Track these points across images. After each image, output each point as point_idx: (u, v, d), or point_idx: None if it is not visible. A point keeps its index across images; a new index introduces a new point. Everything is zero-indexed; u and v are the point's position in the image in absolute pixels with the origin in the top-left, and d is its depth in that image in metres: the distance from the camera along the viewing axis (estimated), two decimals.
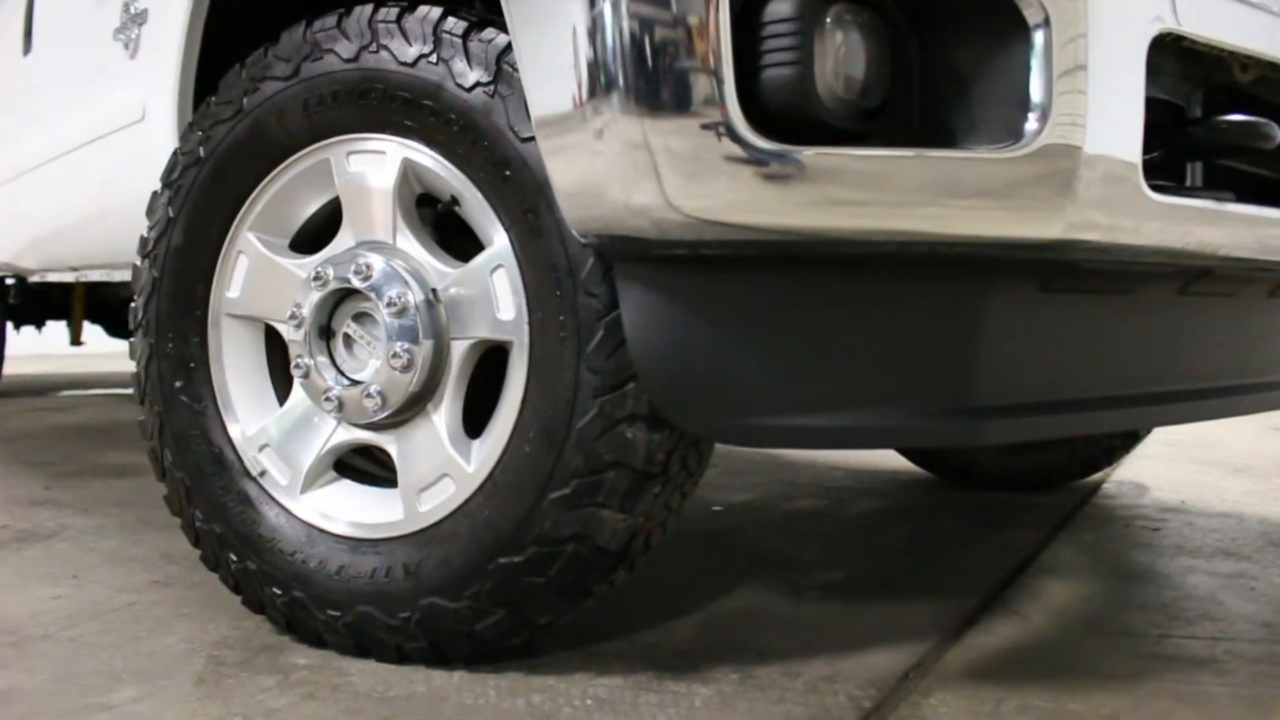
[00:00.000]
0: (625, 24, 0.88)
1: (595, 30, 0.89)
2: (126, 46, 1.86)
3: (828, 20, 0.85)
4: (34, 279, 3.24)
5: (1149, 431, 2.35)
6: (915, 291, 0.95)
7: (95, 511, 2.07)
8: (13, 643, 1.30)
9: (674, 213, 0.88)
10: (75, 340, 4.17)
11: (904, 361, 0.96)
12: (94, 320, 4.29)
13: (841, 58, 0.86)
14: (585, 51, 0.90)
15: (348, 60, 1.20)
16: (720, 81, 0.84)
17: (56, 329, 4.30)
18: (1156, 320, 1.13)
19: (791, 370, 0.95)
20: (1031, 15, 0.86)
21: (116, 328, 4.38)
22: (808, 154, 0.84)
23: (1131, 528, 1.96)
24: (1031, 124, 0.86)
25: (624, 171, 0.89)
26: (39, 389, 4.64)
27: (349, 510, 1.26)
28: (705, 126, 0.85)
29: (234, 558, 1.30)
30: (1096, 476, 2.39)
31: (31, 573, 1.62)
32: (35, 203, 2.52)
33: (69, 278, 2.85)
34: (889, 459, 2.63)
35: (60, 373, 5.50)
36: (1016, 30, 0.87)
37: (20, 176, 2.61)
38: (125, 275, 2.45)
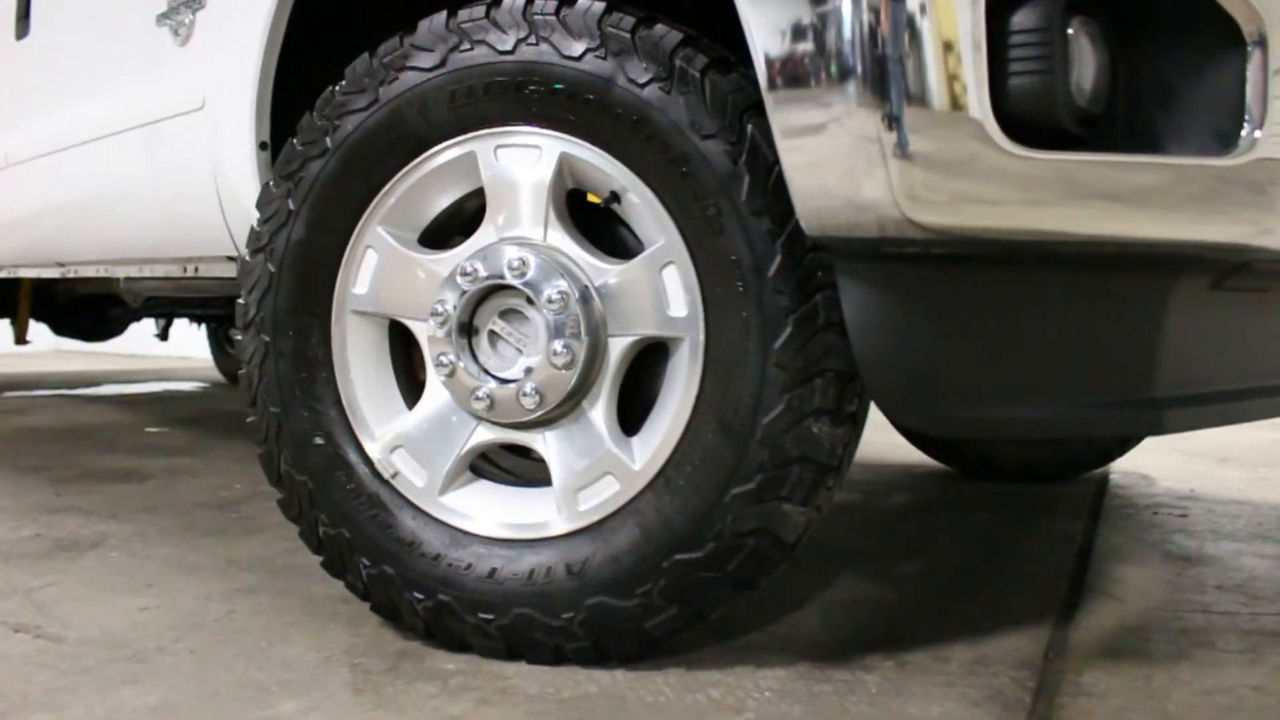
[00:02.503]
0: (868, 20, 0.90)
1: (843, 26, 0.90)
2: (176, 33, 1.78)
3: (1069, 31, 0.89)
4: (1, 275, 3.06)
5: None
6: (1109, 288, 1.00)
7: (125, 518, 1.97)
8: (131, 657, 1.23)
9: (914, 212, 0.90)
10: (20, 339, 3.95)
11: (1095, 354, 1.01)
12: (39, 318, 4.07)
13: (1081, 67, 0.89)
14: (829, 45, 0.91)
15: (503, 52, 1.18)
16: (972, 87, 0.87)
17: None
18: None
19: (1002, 363, 0.98)
20: (1248, 28, 0.91)
21: (64, 326, 4.17)
22: (1059, 159, 0.87)
23: (1160, 515, 2.06)
24: (1247, 134, 0.91)
25: (865, 171, 0.91)
26: None
27: (495, 511, 1.24)
28: (958, 130, 0.87)
29: (366, 563, 1.26)
30: (1100, 468, 2.50)
31: (101, 583, 1.54)
32: (30, 196, 2.38)
33: (51, 273, 2.70)
34: (900, 454, 2.70)
35: None
36: (1231, 42, 0.92)
37: (8, 169, 2.46)
38: (128, 270, 2.35)
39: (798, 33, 0.93)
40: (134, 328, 4.62)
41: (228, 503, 2.14)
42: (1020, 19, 0.88)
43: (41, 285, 3.88)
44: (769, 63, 0.95)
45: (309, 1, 1.50)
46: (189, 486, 2.32)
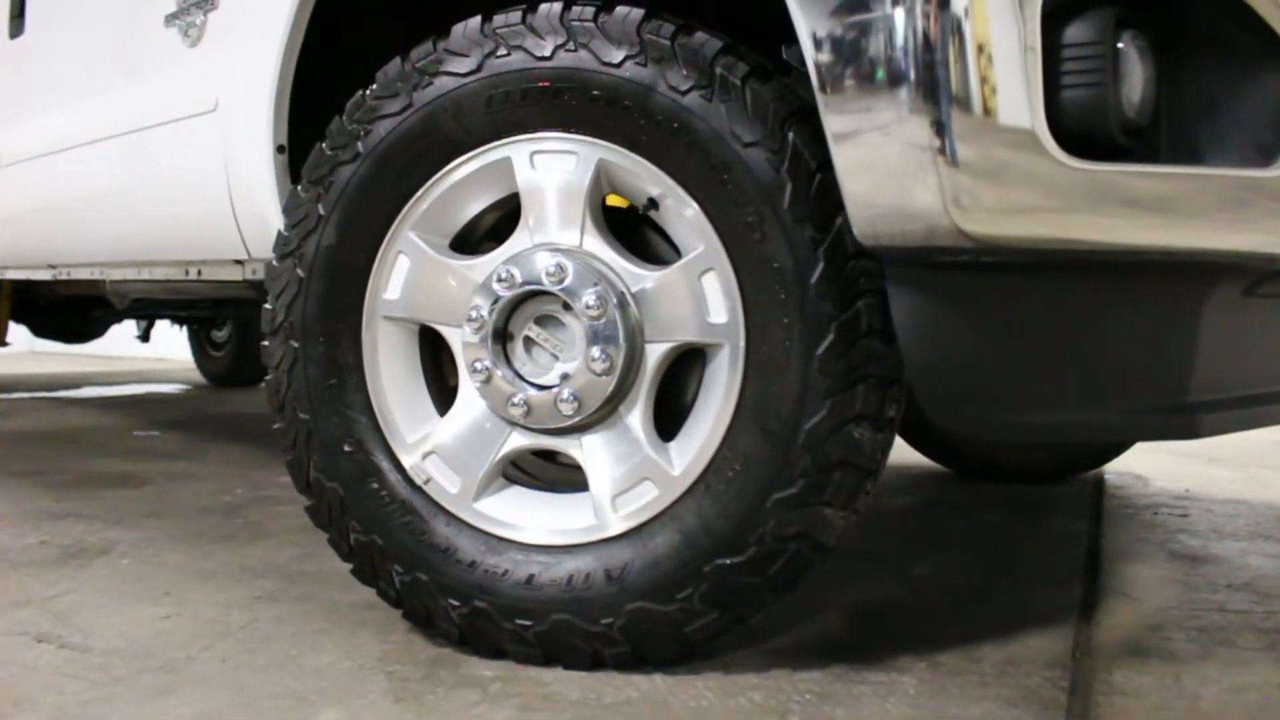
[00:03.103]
0: (922, 29, 0.91)
1: (897, 35, 0.91)
2: (186, 34, 1.76)
3: (1119, 45, 0.91)
4: None
5: None
6: (1148, 295, 1.02)
7: (129, 524, 1.95)
8: (161, 666, 1.22)
9: (966, 222, 0.92)
10: (0, 341, 3.88)
11: (1136, 360, 1.03)
12: (18, 320, 4.00)
13: (1130, 80, 0.91)
14: (881, 54, 0.92)
15: (541, 58, 1.18)
16: (1027, 98, 0.88)
17: None
18: None
19: (1049, 369, 1.00)
20: None
21: (44, 328, 4.11)
22: (1113, 170, 0.89)
23: (1161, 515, 2.10)
24: None
25: (917, 179, 0.92)
26: None
27: (530, 517, 1.24)
28: (1011, 141, 0.89)
29: (399, 569, 1.26)
30: (1096, 469, 2.54)
31: (117, 591, 1.52)
32: (24, 198, 2.34)
33: (42, 275, 2.66)
34: (895, 455, 2.72)
35: None
36: (1273, 54, 0.94)
37: (1, 170, 2.42)
38: (124, 273, 2.32)
39: (851, 42, 0.94)
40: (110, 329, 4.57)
41: (232, 508, 2.12)
42: (1073, 33, 0.89)
43: (22, 286, 3.82)
44: (821, 70, 0.96)
45: (328, 6, 1.49)
46: (189, 491, 2.29)
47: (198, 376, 5.11)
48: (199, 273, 2.08)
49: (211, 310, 3.89)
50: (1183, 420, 1.04)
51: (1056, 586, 1.59)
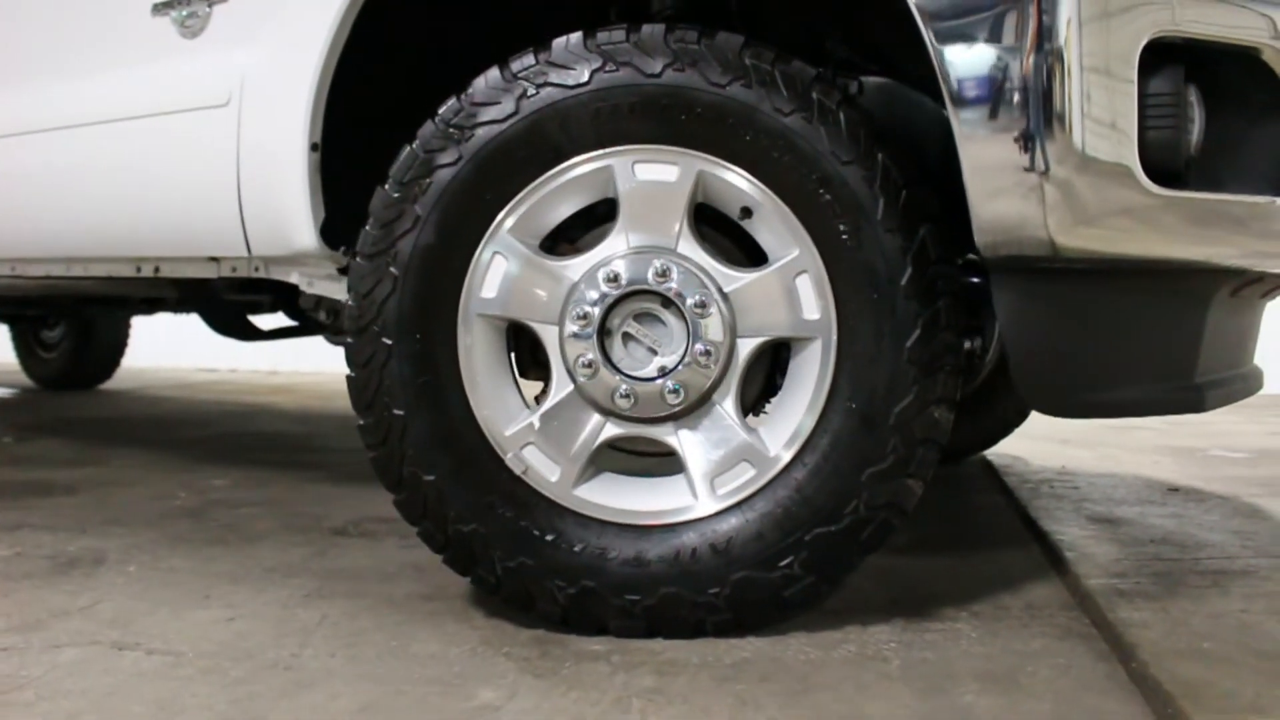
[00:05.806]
0: (1045, 77, 1.09)
1: (1017, 72, 1.09)
2: (183, 25, 1.71)
3: (1188, 96, 1.13)
4: None
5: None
6: (1177, 296, 1.25)
7: (97, 533, 1.85)
8: (274, 665, 1.22)
9: (1069, 238, 1.11)
10: None
11: (1167, 348, 1.26)
12: None
13: (1193, 124, 1.14)
14: (1005, 86, 1.10)
15: (650, 75, 1.27)
16: (1126, 137, 1.08)
17: None
18: (1257, 315, 1.53)
19: (1110, 356, 1.21)
20: None
21: None
22: (1196, 198, 1.11)
23: (1057, 488, 2.42)
24: None
25: (1034, 203, 1.10)
26: None
27: (629, 500, 1.33)
28: (1108, 171, 1.08)
29: (502, 555, 1.31)
30: (981, 452, 2.87)
31: (150, 597, 1.48)
32: None
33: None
34: None
35: None
36: None
37: None
38: (49, 269, 2.18)
39: (984, 77, 1.11)
40: None
41: (194, 512, 2.05)
42: (1156, 85, 1.10)
43: None
44: (956, 98, 1.12)
45: (376, 9, 1.50)
46: (128, 497, 2.18)
47: (21, 379, 4.68)
48: (155, 270, 1.99)
49: (75, 308, 3.60)
50: (1194, 397, 1.29)
51: (1017, 547, 1.84)
